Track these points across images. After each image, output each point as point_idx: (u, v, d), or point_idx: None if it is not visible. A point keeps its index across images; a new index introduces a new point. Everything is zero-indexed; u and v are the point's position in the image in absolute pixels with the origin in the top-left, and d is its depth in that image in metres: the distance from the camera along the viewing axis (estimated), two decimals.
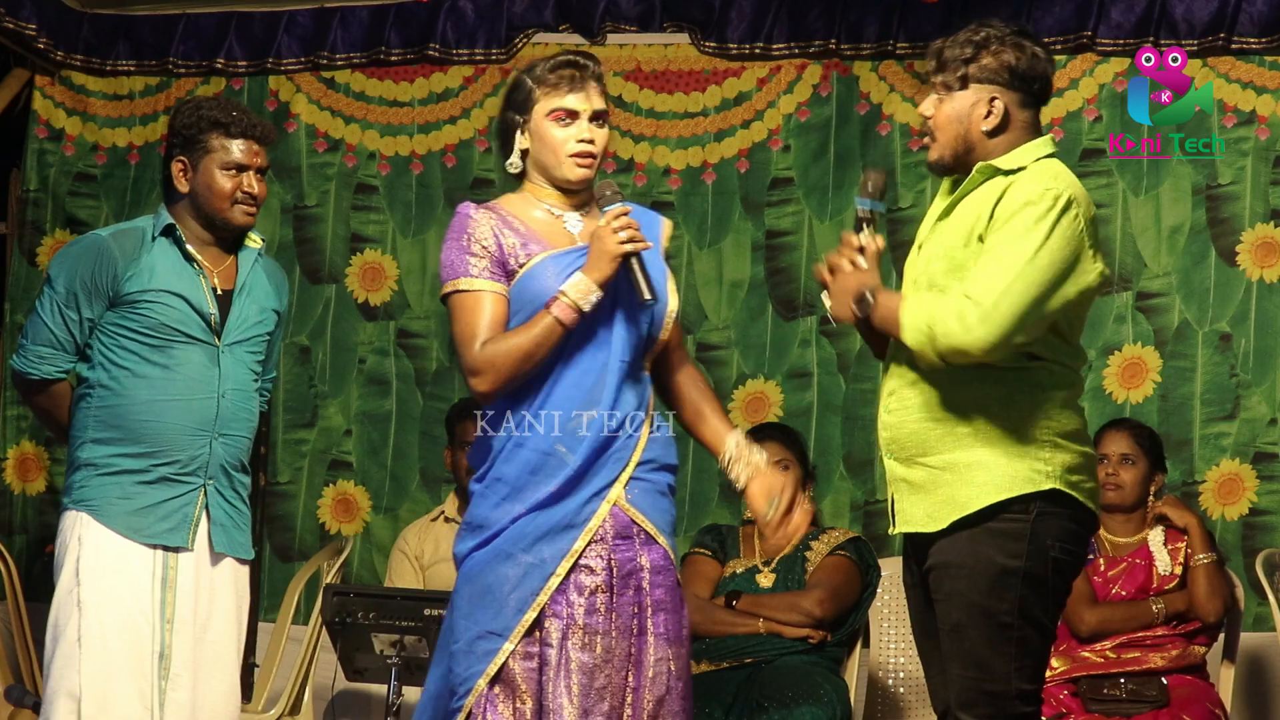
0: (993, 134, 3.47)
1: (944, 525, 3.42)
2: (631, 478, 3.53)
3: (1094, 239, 3.44)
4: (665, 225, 3.72)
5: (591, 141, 3.58)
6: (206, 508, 3.97)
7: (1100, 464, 5.17)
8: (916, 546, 3.53)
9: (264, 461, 5.59)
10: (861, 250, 3.53)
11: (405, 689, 4.89)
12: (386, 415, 6.29)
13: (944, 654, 3.47)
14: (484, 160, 6.31)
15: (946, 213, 3.52)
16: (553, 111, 3.59)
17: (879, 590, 5.34)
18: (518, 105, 3.64)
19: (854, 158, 6.06)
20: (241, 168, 3.99)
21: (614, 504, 3.51)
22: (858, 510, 5.95)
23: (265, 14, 6.37)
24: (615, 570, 3.50)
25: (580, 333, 3.53)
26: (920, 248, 3.59)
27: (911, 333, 3.38)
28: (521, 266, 3.56)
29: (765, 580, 5.23)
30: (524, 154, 3.64)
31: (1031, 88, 3.49)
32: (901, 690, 5.43)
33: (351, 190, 6.39)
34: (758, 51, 6.09)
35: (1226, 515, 5.69)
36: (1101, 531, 5.19)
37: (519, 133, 3.63)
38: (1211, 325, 5.81)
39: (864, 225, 3.58)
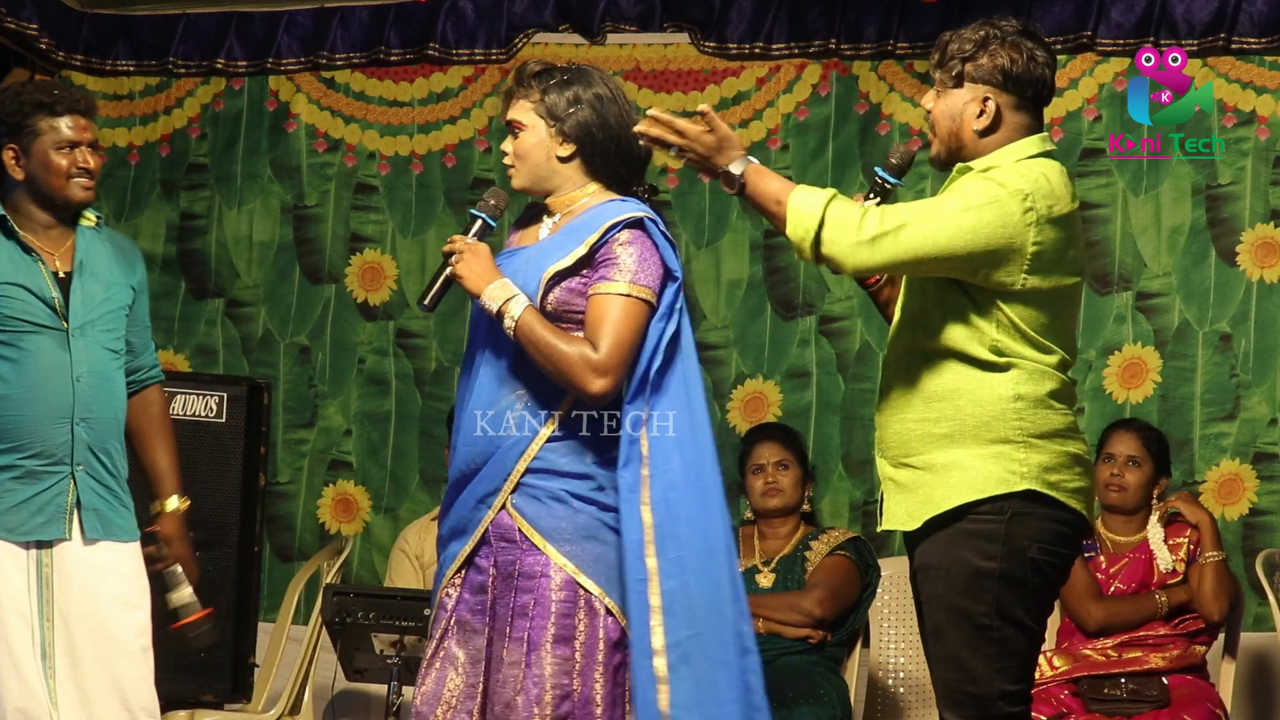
0: (984, 134, 3.43)
1: (919, 524, 3.39)
2: (520, 483, 3.50)
3: (1051, 245, 3.36)
4: (602, 228, 3.51)
5: (507, 153, 3.62)
6: (78, 495, 3.93)
7: (1105, 464, 5.17)
8: (908, 548, 3.52)
9: (264, 461, 5.58)
10: None
11: (405, 689, 4.89)
12: (386, 415, 6.29)
13: (930, 655, 3.46)
14: (484, 160, 6.32)
15: None
16: None
17: (879, 590, 5.34)
18: None
19: (853, 157, 6.06)
20: (74, 144, 3.97)
21: (502, 509, 3.51)
22: (857, 510, 5.95)
23: (265, 14, 6.37)
24: (498, 573, 3.52)
25: (476, 340, 3.60)
26: None
27: (796, 227, 3.32)
28: None
29: (765, 580, 5.23)
30: None
31: (1025, 92, 3.45)
32: (901, 690, 5.43)
33: (351, 190, 6.40)
34: (757, 51, 6.10)
35: (1226, 515, 5.69)
36: (1102, 530, 5.19)
37: None
38: (1211, 325, 5.81)
39: (873, 193, 3.54)
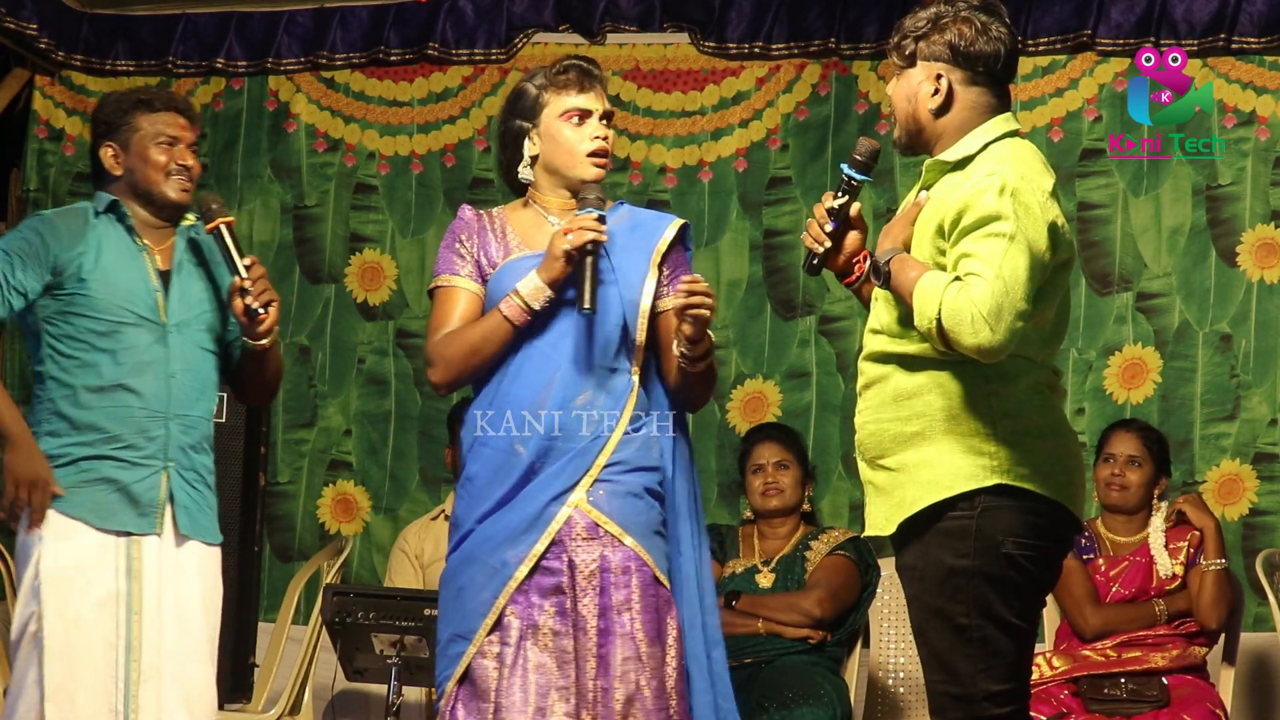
0: (939, 113, 3.35)
1: (894, 527, 3.34)
2: (597, 480, 3.51)
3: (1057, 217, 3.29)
4: (670, 228, 3.68)
5: (606, 139, 3.61)
6: (170, 491, 3.92)
7: (1106, 464, 5.17)
8: (894, 549, 3.46)
9: (264, 461, 5.58)
10: (833, 212, 3.43)
11: (405, 689, 4.89)
12: (386, 415, 6.29)
13: (919, 658, 3.40)
14: (483, 160, 6.32)
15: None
16: (565, 112, 3.61)
17: (879, 590, 5.34)
18: (524, 112, 3.65)
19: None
20: (173, 140, 3.94)
21: (576, 507, 3.51)
22: (857, 510, 5.94)
23: (265, 14, 6.37)
24: (576, 572, 3.50)
25: (537, 332, 3.55)
26: None
27: (921, 319, 3.23)
28: (495, 267, 3.62)
29: (765, 580, 5.23)
30: (532, 161, 3.67)
31: (976, 66, 3.34)
32: (901, 690, 5.43)
33: (351, 190, 6.40)
34: (757, 51, 6.10)
35: (1226, 515, 5.69)
36: (1103, 531, 5.19)
37: (527, 139, 3.65)
38: (1212, 326, 5.81)
39: (842, 192, 3.46)
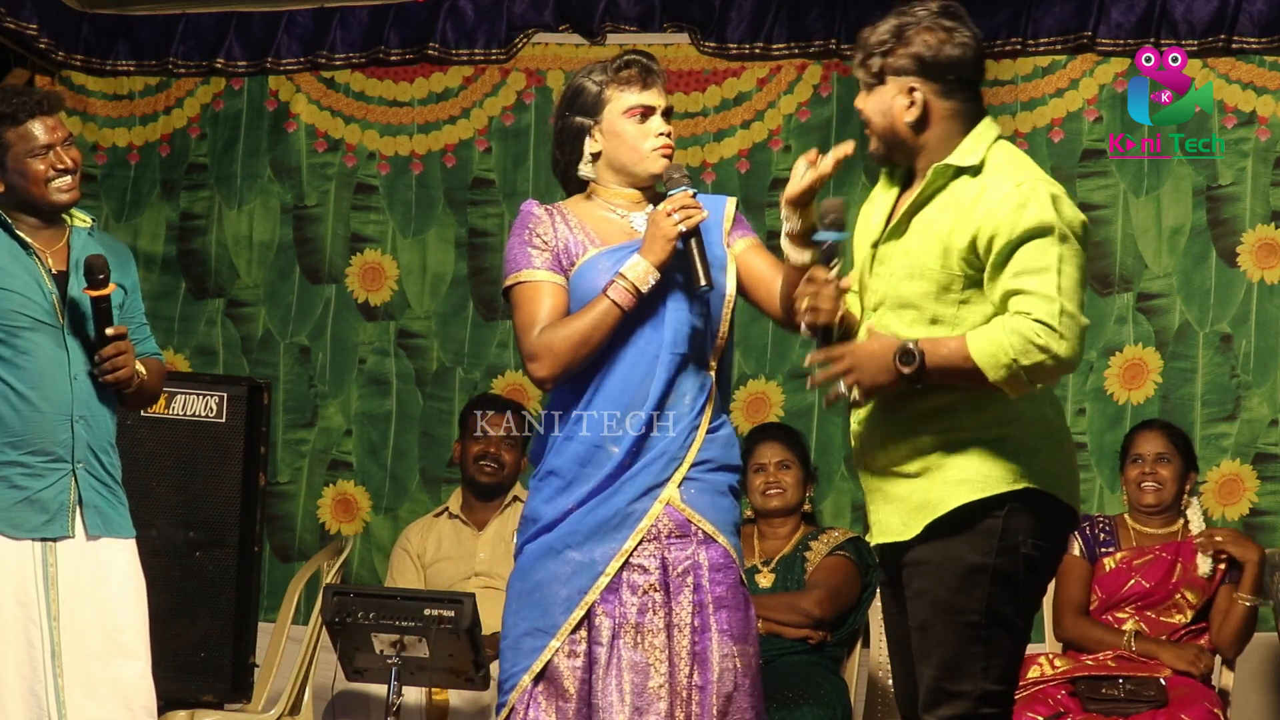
0: (918, 127, 3.34)
1: (918, 531, 3.32)
2: (686, 477, 3.52)
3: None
4: (729, 205, 3.69)
5: (670, 135, 3.62)
6: (79, 493, 3.92)
7: (1135, 465, 5.19)
8: (889, 554, 3.43)
9: (264, 461, 5.58)
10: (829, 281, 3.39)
11: (405, 689, 4.89)
12: (386, 415, 6.29)
13: (914, 654, 3.38)
14: (483, 160, 6.32)
15: (903, 225, 3.38)
16: (629, 109, 3.63)
17: (879, 590, 5.34)
18: (585, 108, 3.64)
19: (855, 159, 5.94)
20: (47, 147, 3.93)
21: (667, 503, 3.51)
22: (858, 510, 5.94)
23: (265, 14, 6.37)
24: (670, 569, 3.50)
25: (633, 324, 3.53)
26: (875, 263, 3.42)
27: (995, 370, 3.20)
28: (574, 263, 3.59)
29: (764, 580, 5.23)
30: (593, 158, 3.66)
31: (947, 76, 3.31)
32: None
33: (351, 190, 6.39)
34: (757, 51, 6.10)
35: (1227, 515, 5.69)
36: (1130, 522, 5.19)
37: (588, 136, 3.64)
38: (1212, 326, 5.81)
39: (831, 258, 3.41)
